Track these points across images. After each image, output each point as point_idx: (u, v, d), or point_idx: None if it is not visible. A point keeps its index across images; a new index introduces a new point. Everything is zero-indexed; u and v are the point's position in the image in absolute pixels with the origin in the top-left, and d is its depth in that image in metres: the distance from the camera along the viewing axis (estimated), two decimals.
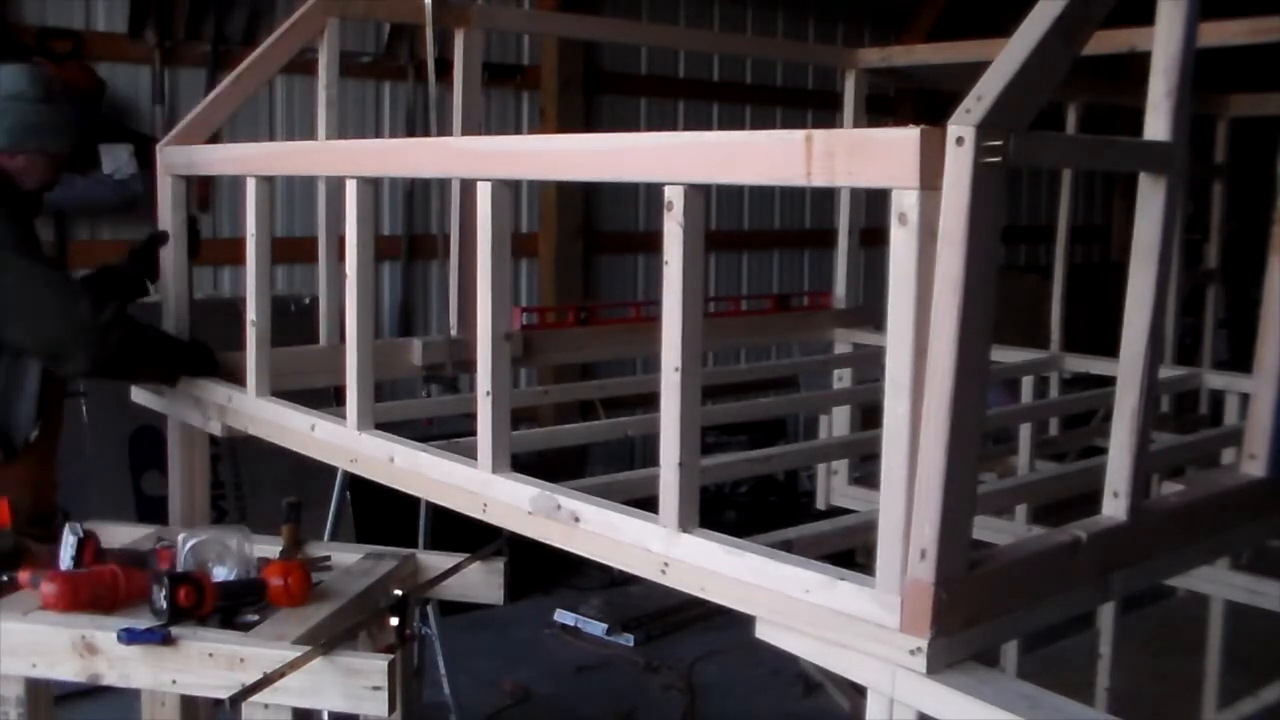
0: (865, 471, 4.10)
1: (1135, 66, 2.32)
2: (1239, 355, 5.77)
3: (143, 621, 2.50)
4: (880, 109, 7.05)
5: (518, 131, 6.77)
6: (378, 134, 6.31)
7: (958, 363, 1.54)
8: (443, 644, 4.38)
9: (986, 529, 3.07)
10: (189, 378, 3.23)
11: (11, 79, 3.08)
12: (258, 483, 5.28)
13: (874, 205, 2.85)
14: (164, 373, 3.24)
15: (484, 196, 2.27)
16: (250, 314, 3.05)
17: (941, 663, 1.65)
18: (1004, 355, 3.99)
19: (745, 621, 1.89)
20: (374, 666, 2.38)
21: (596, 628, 5.64)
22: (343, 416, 2.74)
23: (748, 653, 4.98)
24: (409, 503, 3.09)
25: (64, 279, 3.15)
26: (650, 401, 2.08)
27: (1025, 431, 3.55)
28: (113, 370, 3.17)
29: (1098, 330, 3.31)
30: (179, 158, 3.33)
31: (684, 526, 1.96)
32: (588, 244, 7.11)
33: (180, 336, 3.34)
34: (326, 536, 4.21)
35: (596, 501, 2.15)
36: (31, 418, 3.05)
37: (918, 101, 7.97)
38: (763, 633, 1.88)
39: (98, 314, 2.91)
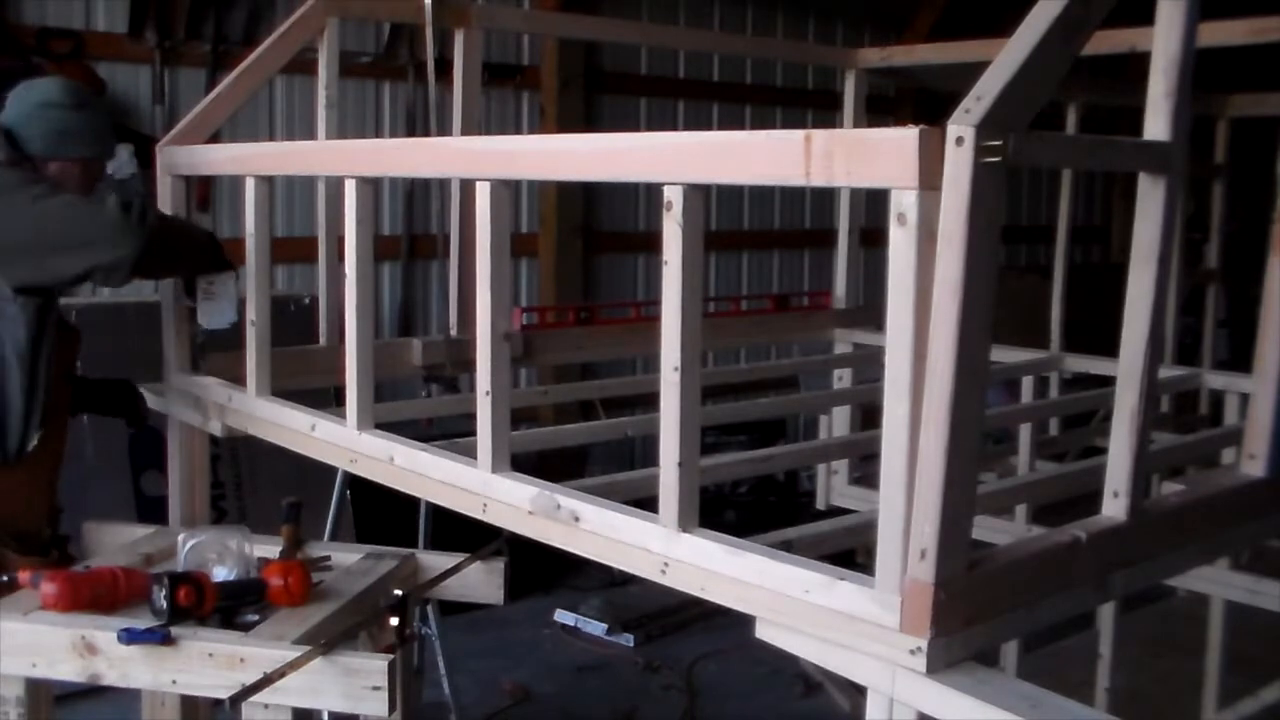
0: (865, 471, 4.10)
1: (1135, 66, 2.32)
2: (1239, 355, 5.76)
3: (143, 621, 2.51)
4: (880, 109, 7.06)
5: (518, 131, 6.76)
6: (378, 134, 6.30)
7: (957, 363, 1.54)
8: (443, 644, 4.37)
9: (986, 529, 3.07)
10: (208, 272, 3.22)
11: (44, 88, 3.12)
12: (258, 483, 5.27)
13: (874, 205, 2.84)
14: (197, 258, 3.20)
15: (483, 196, 2.27)
16: (250, 314, 3.05)
17: (941, 663, 1.65)
18: (1004, 355, 3.99)
19: (745, 621, 1.89)
20: (374, 666, 2.38)
21: (596, 628, 5.63)
22: (343, 416, 2.74)
23: (748, 653, 4.98)
24: (409, 503, 3.09)
25: (81, 198, 3.07)
26: (650, 401, 2.08)
27: (1025, 431, 3.55)
28: (154, 254, 2.97)
29: (1098, 330, 3.31)
30: (179, 158, 3.33)
31: (684, 526, 1.96)
32: (588, 244, 7.11)
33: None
34: (326, 536, 4.21)
35: (596, 501, 2.16)
36: (20, 430, 2.99)
37: (918, 101, 7.98)
38: (763, 633, 1.88)
39: (122, 208, 2.85)
